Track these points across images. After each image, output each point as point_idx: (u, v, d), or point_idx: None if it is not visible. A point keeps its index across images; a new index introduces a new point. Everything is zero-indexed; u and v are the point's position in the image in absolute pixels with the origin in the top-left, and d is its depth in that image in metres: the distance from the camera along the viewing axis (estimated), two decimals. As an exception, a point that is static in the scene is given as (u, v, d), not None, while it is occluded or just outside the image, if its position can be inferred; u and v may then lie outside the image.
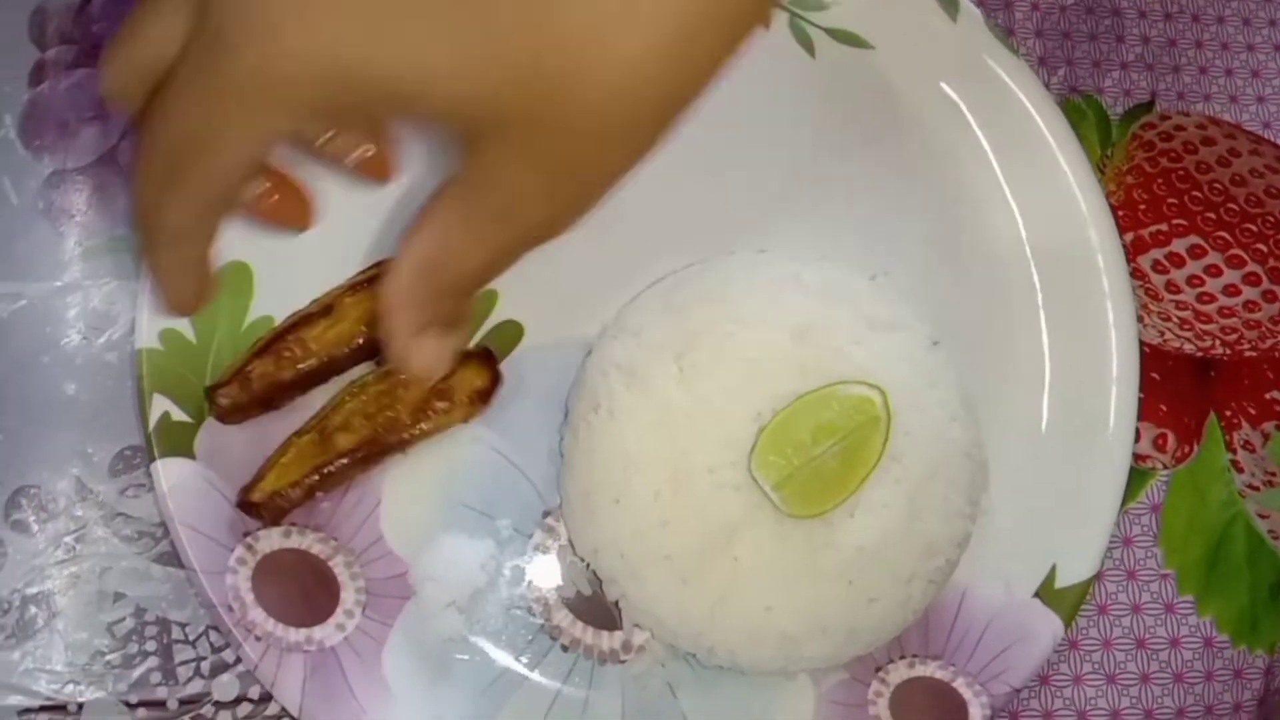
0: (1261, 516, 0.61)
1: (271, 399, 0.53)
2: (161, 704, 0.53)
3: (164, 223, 0.42)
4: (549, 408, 0.56)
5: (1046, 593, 0.55)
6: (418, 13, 0.36)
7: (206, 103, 0.38)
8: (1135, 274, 0.63)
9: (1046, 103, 0.61)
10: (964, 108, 0.62)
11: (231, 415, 0.53)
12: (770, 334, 0.52)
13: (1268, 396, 0.63)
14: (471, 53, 0.37)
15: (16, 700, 0.52)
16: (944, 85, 0.62)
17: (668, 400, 0.51)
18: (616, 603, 0.53)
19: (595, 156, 0.40)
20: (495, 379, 0.55)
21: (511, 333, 0.57)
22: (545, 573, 0.54)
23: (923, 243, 0.60)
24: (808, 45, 0.63)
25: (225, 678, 0.53)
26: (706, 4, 0.37)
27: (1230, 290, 0.64)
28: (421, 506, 0.54)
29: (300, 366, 0.53)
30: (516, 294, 0.56)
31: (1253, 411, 0.62)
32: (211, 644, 0.53)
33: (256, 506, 0.51)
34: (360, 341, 0.53)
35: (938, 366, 0.54)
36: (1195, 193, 0.65)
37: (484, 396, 0.54)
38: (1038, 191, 0.61)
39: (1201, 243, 0.64)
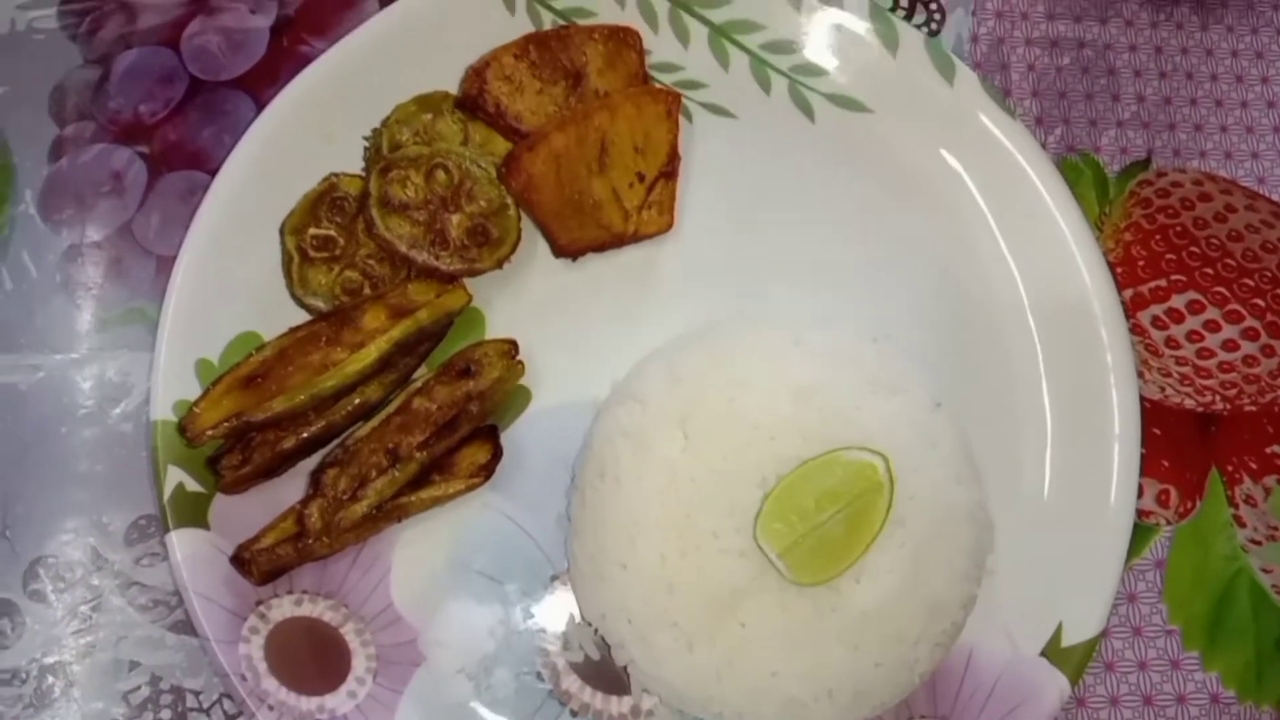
0: (1265, 571, 0.61)
1: (274, 467, 0.54)
2: (175, 771, 0.53)
3: None
4: (556, 472, 0.57)
5: (1053, 651, 0.55)
6: None
7: None
8: (1135, 330, 0.64)
9: (1043, 163, 0.62)
10: (962, 170, 0.63)
11: (234, 486, 0.53)
12: (772, 398, 0.53)
13: (1268, 451, 0.63)
14: None
15: (34, 770, 0.52)
16: (942, 149, 0.63)
17: (673, 466, 0.52)
18: (625, 667, 0.53)
19: None
20: (497, 454, 0.56)
21: (520, 398, 0.58)
22: (554, 638, 0.55)
23: (924, 305, 0.61)
24: (808, 111, 0.64)
25: (239, 745, 0.54)
26: None
27: (1229, 345, 0.64)
28: (431, 572, 0.55)
29: (303, 434, 0.54)
30: (524, 361, 0.57)
31: (1254, 466, 0.63)
32: (225, 712, 0.54)
33: (246, 562, 0.52)
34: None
35: (940, 428, 0.55)
36: (1193, 248, 0.66)
37: (485, 470, 0.55)
38: (1037, 252, 0.61)
39: (1200, 298, 0.65)
